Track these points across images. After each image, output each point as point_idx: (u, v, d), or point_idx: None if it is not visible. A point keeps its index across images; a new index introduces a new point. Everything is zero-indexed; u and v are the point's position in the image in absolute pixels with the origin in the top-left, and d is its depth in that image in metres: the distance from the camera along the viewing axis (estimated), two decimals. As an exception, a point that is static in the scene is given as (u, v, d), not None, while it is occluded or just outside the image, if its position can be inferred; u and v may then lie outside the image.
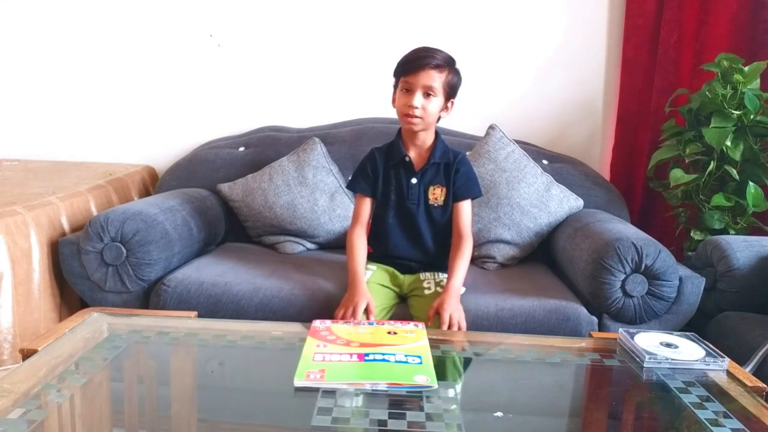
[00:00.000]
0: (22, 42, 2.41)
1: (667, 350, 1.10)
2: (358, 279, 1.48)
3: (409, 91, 1.47)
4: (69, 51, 2.40)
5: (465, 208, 1.59)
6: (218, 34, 2.36)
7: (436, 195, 1.57)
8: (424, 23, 2.30)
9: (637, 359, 1.09)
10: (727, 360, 1.08)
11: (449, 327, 1.37)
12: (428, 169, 1.57)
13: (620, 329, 1.19)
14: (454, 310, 1.41)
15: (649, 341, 1.13)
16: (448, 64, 1.48)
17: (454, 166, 1.57)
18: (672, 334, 1.18)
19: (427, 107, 1.47)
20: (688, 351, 1.11)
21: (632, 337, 1.14)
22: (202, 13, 2.34)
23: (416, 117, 1.47)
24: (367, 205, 1.59)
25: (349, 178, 1.65)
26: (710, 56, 2.05)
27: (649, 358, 1.07)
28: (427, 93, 1.46)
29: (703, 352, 1.11)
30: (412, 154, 1.58)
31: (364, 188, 1.59)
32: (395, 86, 1.54)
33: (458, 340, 1.26)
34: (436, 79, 1.46)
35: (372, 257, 1.64)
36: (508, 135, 2.08)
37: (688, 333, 1.20)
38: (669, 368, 1.06)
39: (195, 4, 2.34)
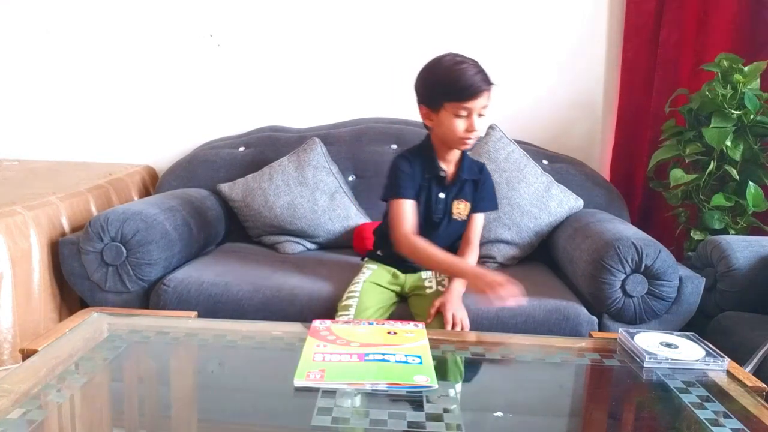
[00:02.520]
0: (23, 42, 2.41)
1: (667, 350, 1.10)
2: (465, 265, 1.44)
3: (467, 116, 1.39)
4: (69, 51, 2.40)
5: (479, 219, 1.59)
6: (218, 34, 2.36)
7: (460, 209, 1.55)
8: (424, 23, 2.30)
9: (637, 359, 1.09)
10: (727, 360, 1.08)
11: (453, 326, 1.38)
12: (456, 184, 1.53)
13: (620, 329, 1.19)
14: (456, 309, 1.41)
15: (649, 341, 1.13)
16: None
17: (480, 180, 1.56)
18: (672, 334, 1.18)
19: (481, 127, 1.43)
20: (688, 351, 1.11)
21: (632, 337, 1.14)
22: (202, 13, 2.34)
23: (473, 139, 1.43)
24: (413, 208, 1.49)
25: (391, 187, 1.49)
26: (710, 56, 2.04)
27: (650, 358, 1.07)
28: (480, 113, 1.41)
29: (703, 352, 1.11)
30: (445, 167, 1.53)
31: (411, 194, 1.49)
32: (433, 107, 1.43)
33: (458, 340, 1.25)
34: (488, 96, 1.40)
35: (374, 256, 1.63)
36: (508, 135, 2.08)
37: (688, 333, 1.20)
38: (669, 368, 1.06)
39: (195, 4, 2.34)
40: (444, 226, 1.55)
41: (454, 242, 1.60)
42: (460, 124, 1.40)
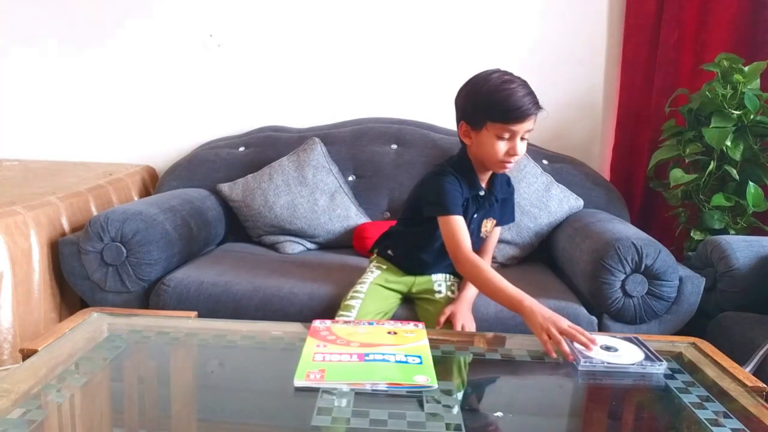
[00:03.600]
0: (23, 42, 2.41)
1: (605, 354, 1.08)
2: (526, 298, 1.21)
3: (510, 138, 1.33)
4: (69, 51, 2.40)
5: (498, 232, 1.59)
6: (218, 34, 2.36)
7: (488, 228, 1.52)
8: (424, 23, 2.30)
9: (574, 362, 1.07)
10: (665, 363, 1.06)
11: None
12: (489, 202, 1.49)
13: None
14: (466, 320, 1.43)
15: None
16: None
17: (509, 197, 1.54)
18: (615, 337, 1.16)
19: (523, 150, 1.36)
20: (627, 354, 1.09)
21: (572, 341, 1.11)
22: (202, 13, 2.34)
23: (512, 163, 1.38)
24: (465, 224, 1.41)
25: (441, 204, 1.39)
26: (710, 56, 2.05)
27: (584, 362, 1.05)
28: (522, 136, 1.34)
29: (642, 356, 1.08)
30: (483, 187, 1.48)
31: (461, 210, 1.41)
32: (474, 125, 1.36)
33: (458, 340, 1.25)
34: (534, 119, 1.33)
35: (384, 255, 1.61)
36: (508, 135, 2.08)
37: (631, 336, 1.17)
38: (605, 371, 1.05)
39: (195, 5, 2.34)
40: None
41: None
42: (501, 147, 1.33)
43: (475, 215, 1.48)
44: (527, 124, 1.32)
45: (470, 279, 1.37)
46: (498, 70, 1.36)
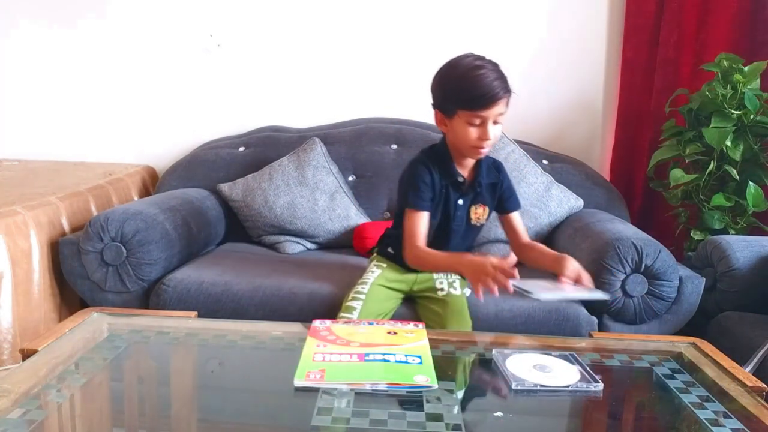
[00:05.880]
0: (23, 42, 2.41)
1: (539, 375, 1.02)
2: (459, 256, 1.33)
3: (480, 124, 1.33)
4: (69, 51, 2.40)
5: (518, 217, 1.52)
6: (218, 34, 2.36)
7: (478, 214, 1.50)
8: (423, 23, 2.30)
9: (506, 383, 1.01)
10: (601, 384, 0.99)
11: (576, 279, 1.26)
12: (475, 189, 1.47)
13: (494, 350, 1.10)
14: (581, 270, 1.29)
15: (523, 362, 1.06)
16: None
17: (499, 182, 1.50)
18: (550, 355, 1.10)
19: (497, 134, 1.36)
20: (561, 375, 1.03)
21: (504, 360, 1.06)
22: (202, 13, 2.34)
23: (486, 148, 1.37)
24: (427, 220, 1.43)
25: (409, 196, 1.43)
26: (710, 56, 2.05)
27: (516, 384, 0.99)
28: (495, 121, 1.34)
29: (578, 376, 1.02)
30: (462, 173, 1.46)
31: (428, 205, 1.43)
32: (447, 113, 1.38)
33: (458, 340, 1.25)
34: (506, 103, 1.34)
35: (385, 254, 1.60)
36: (508, 135, 2.08)
37: (567, 353, 1.10)
38: (538, 392, 0.99)
39: (195, 5, 2.34)
40: (462, 233, 1.50)
41: (470, 248, 1.58)
42: (473, 133, 1.34)
43: (460, 201, 1.47)
44: (497, 109, 1.32)
45: (416, 264, 1.45)
46: (469, 56, 1.36)
